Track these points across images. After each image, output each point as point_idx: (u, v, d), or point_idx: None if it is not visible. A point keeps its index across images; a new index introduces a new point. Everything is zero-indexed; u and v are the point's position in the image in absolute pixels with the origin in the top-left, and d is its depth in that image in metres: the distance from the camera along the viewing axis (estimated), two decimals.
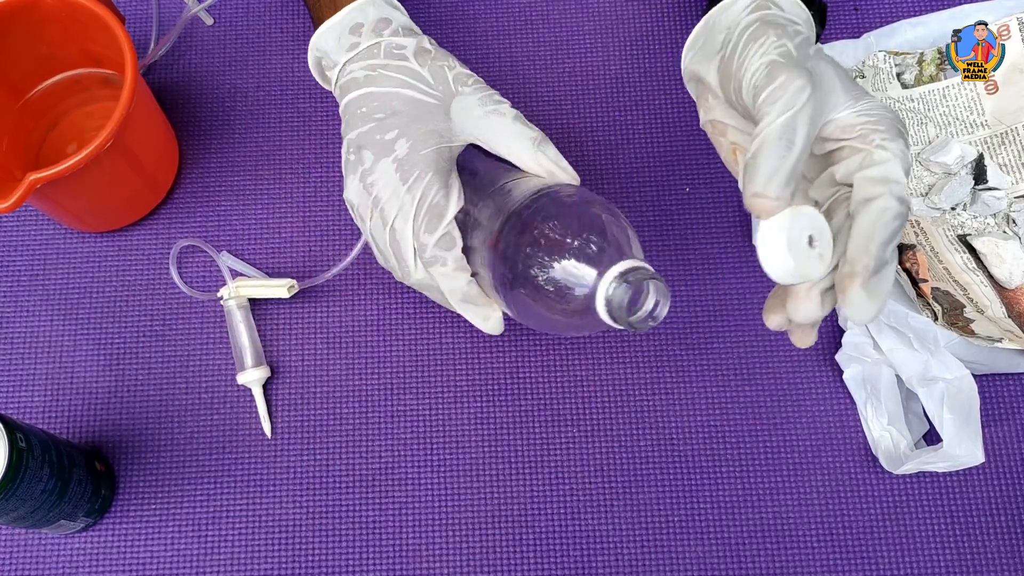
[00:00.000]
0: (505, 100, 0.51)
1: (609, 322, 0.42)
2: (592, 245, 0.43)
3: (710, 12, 0.49)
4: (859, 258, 0.38)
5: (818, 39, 0.50)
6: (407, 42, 0.51)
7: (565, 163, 0.49)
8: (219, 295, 0.60)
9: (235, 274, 0.61)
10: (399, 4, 0.54)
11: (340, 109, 0.52)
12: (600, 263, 0.42)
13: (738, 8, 0.47)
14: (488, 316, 0.49)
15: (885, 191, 0.39)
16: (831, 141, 0.43)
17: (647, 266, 0.42)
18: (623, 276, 0.41)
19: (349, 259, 0.60)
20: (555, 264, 0.43)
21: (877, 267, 0.38)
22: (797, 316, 0.40)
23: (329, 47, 0.52)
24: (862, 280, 0.38)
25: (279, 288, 0.60)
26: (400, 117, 0.49)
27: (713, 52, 0.47)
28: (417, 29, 0.53)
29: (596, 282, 0.42)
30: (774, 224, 0.38)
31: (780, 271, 0.39)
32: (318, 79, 0.55)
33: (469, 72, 0.52)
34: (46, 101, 0.63)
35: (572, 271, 0.43)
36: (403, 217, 0.48)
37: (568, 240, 0.43)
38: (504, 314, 0.50)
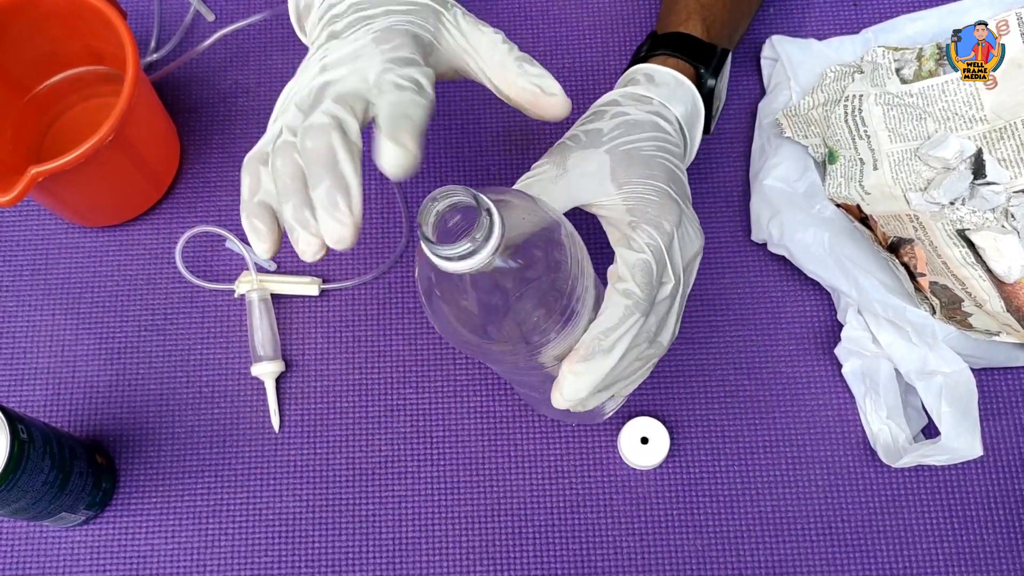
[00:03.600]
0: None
1: (429, 255, 0.36)
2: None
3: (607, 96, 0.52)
4: (581, 342, 0.41)
5: (711, 102, 0.54)
6: None
7: (551, 83, 0.43)
8: (236, 287, 0.61)
9: (257, 268, 0.61)
10: None
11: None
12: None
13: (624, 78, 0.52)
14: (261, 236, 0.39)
15: (619, 289, 0.42)
16: (606, 223, 0.46)
17: (480, 197, 0.35)
18: (435, 197, 0.35)
19: (385, 266, 0.61)
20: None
21: (586, 355, 0.41)
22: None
23: None
24: (570, 362, 0.41)
25: (309, 286, 0.60)
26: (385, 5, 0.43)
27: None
28: None
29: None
30: (626, 430, 0.54)
31: (631, 460, 0.56)
32: (298, 32, 0.50)
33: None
34: (49, 97, 0.64)
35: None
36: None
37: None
38: None
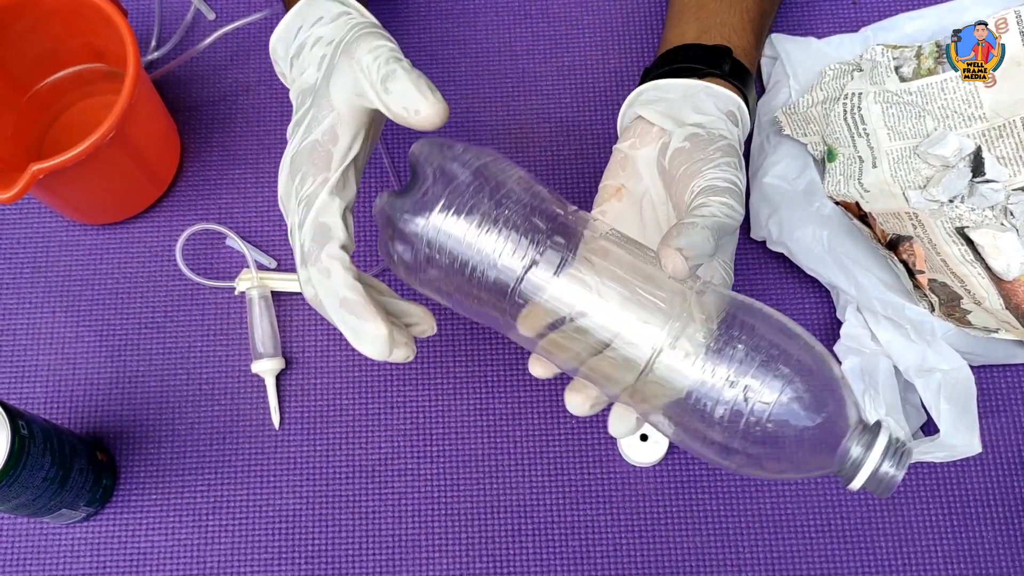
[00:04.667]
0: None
1: (857, 483, 0.39)
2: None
3: (683, 82, 0.52)
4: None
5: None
6: (324, 31, 0.46)
7: (414, 99, 0.40)
8: (237, 285, 0.61)
9: (258, 265, 0.62)
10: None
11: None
12: (847, 424, 0.38)
13: (712, 106, 0.50)
14: (365, 333, 0.40)
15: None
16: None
17: (887, 434, 0.38)
18: (892, 450, 0.38)
19: (385, 263, 0.61)
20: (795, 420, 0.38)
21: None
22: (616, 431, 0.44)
23: (279, 57, 0.48)
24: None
25: None
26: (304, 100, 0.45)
27: (672, 117, 0.50)
28: (351, 8, 0.47)
29: (854, 449, 0.38)
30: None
31: (630, 457, 0.57)
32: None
33: (384, 43, 0.43)
34: (50, 95, 0.64)
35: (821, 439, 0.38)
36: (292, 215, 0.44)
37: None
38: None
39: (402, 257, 0.41)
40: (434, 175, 0.40)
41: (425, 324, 0.45)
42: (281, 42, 0.48)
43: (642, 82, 0.54)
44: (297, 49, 0.47)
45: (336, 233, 0.41)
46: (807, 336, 0.40)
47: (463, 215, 0.39)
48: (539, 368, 0.44)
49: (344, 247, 0.41)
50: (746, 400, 0.37)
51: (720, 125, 0.50)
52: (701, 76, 0.52)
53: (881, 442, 0.38)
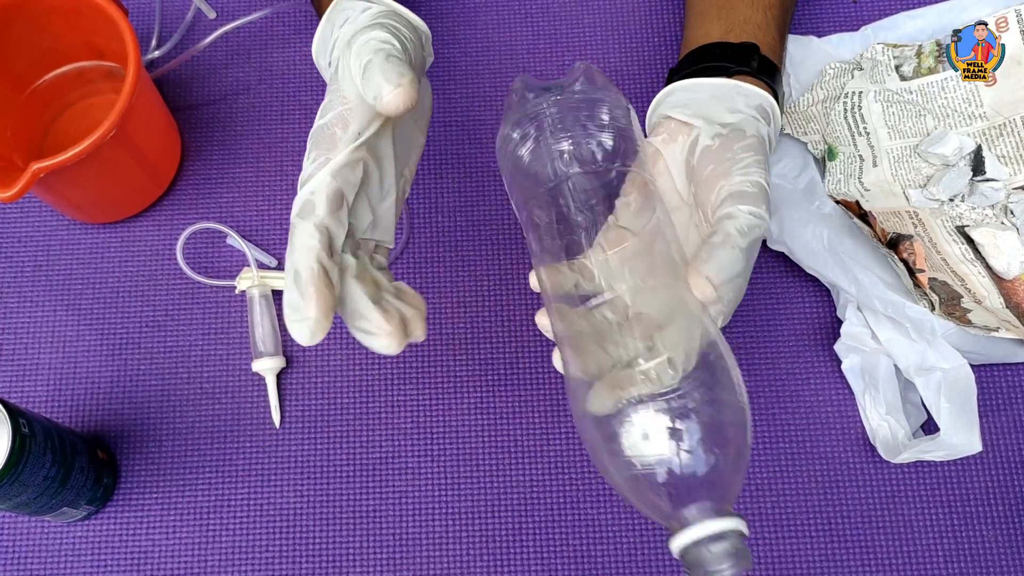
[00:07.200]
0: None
1: (677, 542, 0.38)
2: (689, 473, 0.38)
3: (713, 81, 0.51)
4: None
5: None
6: (348, 30, 0.46)
7: (384, 87, 0.41)
8: (237, 284, 0.61)
9: (259, 264, 0.62)
10: None
11: None
12: (685, 501, 0.38)
13: (743, 103, 0.50)
14: (296, 311, 0.40)
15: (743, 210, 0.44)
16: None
17: (740, 529, 0.37)
18: (707, 544, 0.37)
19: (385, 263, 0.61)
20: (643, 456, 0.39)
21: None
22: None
23: (322, 66, 0.49)
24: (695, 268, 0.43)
25: None
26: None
27: (702, 116, 0.49)
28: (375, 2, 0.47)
29: (675, 517, 0.38)
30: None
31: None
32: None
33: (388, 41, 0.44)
34: (50, 93, 0.64)
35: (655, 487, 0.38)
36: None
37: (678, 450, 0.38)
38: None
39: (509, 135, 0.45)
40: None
41: (415, 328, 0.44)
42: (320, 53, 0.48)
43: (668, 82, 0.54)
44: (333, 56, 0.47)
45: (317, 210, 0.41)
46: (747, 412, 0.40)
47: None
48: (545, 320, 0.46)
49: (322, 225, 0.41)
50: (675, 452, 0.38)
51: (750, 123, 0.49)
52: (730, 75, 0.52)
53: (724, 524, 0.37)
